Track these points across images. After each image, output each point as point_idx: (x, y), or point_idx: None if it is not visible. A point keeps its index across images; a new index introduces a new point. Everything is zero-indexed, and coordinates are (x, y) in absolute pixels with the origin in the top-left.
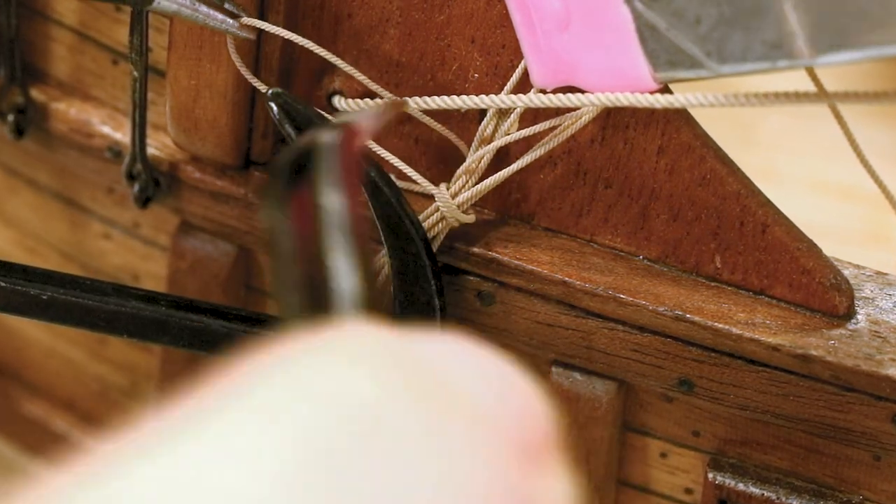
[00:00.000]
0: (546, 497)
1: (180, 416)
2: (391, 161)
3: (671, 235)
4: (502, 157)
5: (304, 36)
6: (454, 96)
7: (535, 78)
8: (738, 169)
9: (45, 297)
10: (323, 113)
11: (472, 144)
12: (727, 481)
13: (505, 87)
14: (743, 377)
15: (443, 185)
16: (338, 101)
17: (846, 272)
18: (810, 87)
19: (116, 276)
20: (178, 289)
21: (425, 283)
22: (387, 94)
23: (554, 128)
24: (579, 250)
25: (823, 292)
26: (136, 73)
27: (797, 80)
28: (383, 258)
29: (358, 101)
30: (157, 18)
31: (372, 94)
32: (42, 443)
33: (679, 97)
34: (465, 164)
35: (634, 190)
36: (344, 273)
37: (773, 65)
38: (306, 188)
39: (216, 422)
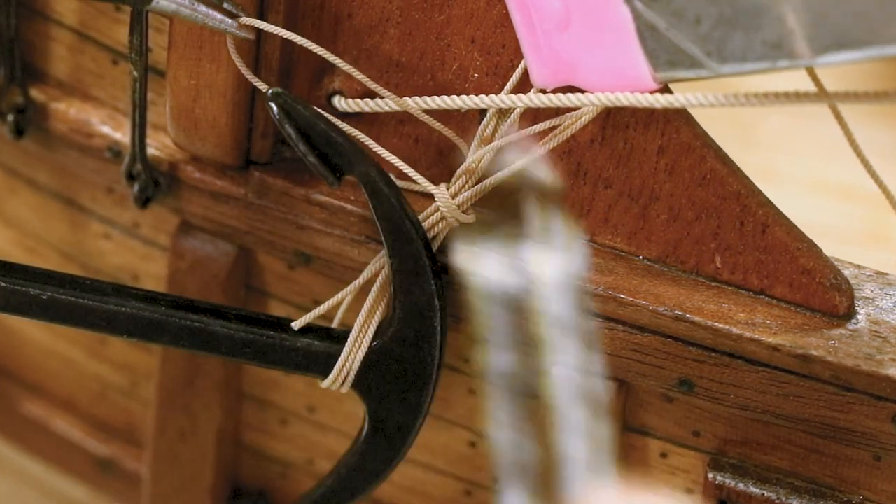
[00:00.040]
0: None
1: None
2: (391, 161)
3: (671, 235)
4: (502, 157)
5: (304, 36)
6: (454, 96)
7: (535, 78)
8: (739, 169)
9: (45, 297)
10: (323, 113)
11: (472, 144)
12: (727, 481)
13: (505, 87)
14: (743, 377)
15: (443, 185)
16: (338, 101)
17: (846, 272)
18: (810, 87)
19: (116, 276)
20: (178, 289)
21: (425, 283)
22: (387, 94)
23: (554, 128)
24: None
25: (824, 292)
26: (135, 73)
27: (797, 80)
28: (383, 258)
29: (358, 100)
30: (157, 18)
31: (372, 94)
32: (42, 443)
33: (679, 97)
34: (465, 164)
35: (634, 190)
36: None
37: (774, 65)
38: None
39: None
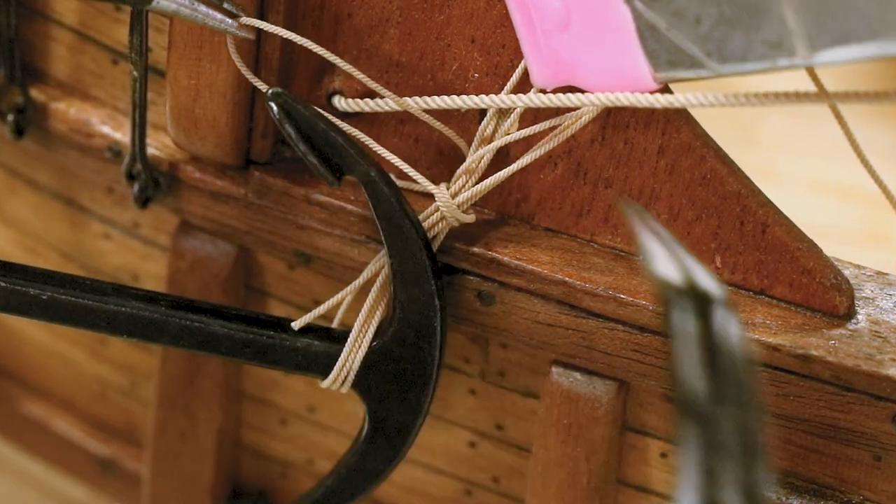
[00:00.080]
0: None
1: None
2: (391, 161)
3: (671, 235)
4: (502, 157)
5: (303, 36)
6: (454, 96)
7: (535, 78)
8: (739, 169)
9: (45, 297)
10: (323, 113)
11: (472, 144)
12: None
13: (505, 87)
14: None
15: (443, 185)
16: (338, 101)
17: (846, 272)
18: (810, 87)
19: (116, 276)
20: (178, 289)
21: (425, 283)
22: (388, 94)
23: (554, 128)
24: (579, 250)
25: (824, 292)
26: (135, 73)
27: (797, 80)
28: (383, 258)
29: (358, 100)
30: (157, 18)
31: (372, 94)
32: (42, 443)
33: (679, 97)
34: (465, 164)
35: (635, 190)
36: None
37: (774, 64)
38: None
39: None
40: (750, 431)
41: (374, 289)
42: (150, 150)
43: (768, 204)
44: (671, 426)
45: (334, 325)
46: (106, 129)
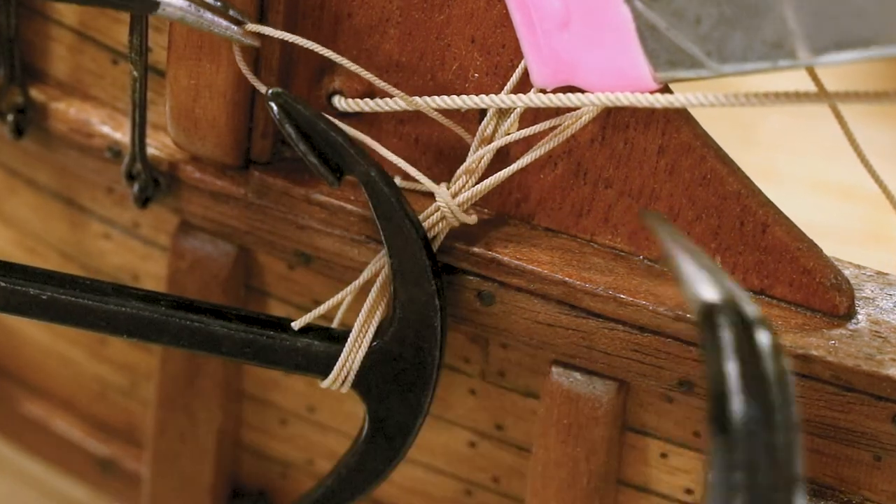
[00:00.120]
0: None
1: None
2: (391, 161)
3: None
4: (502, 157)
5: (303, 35)
6: (454, 96)
7: (535, 77)
8: (739, 169)
9: (45, 297)
10: (323, 113)
11: (472, 144)
12: None
13: (505, 87)
14: None
15: (443, 185)
16: (338, 101)
17: (847, 272)
18: (810, 87)
19: (116, 276)
20: (178, 289)
21: (425, 283)
22: (396, 92)
23: (554, 128)
24: (579, 250)
25: (824, 292)
26: (135, 73)
27: (797, 80)
28: (383, 258)
29: (358, 100)
30: (157, 18)
31: (373, 94)
32: (42, 443)
33: (679, 97)
34: (465, 164)
35: (635, 190)
36: None
37: (774, 64)
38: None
39: None
40: (786, 452)
41: (374, 289)
42: (150, 150)
43: (768, 204)
44: (672, 426)
45: (334, 325)
46: (106, 129)
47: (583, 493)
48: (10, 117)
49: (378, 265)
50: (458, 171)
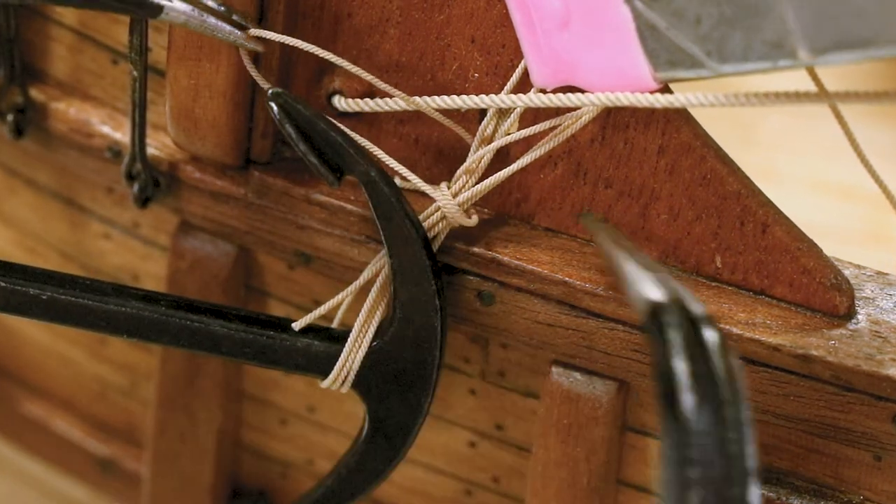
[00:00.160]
0: None
1: None
2: (391, 161)
3: (671, 235)
4: (502, 157)
5: (303, 36)
6: (454, 96)
7: (535, 77)
8: (739, 169)
9: (45, 297)
10: (323, 113)
11: (472, 144)
12: None
13: (505, 87)
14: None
15: (443, 185)
16: (337, 101)
17: (847, 272)
18: (810, 87)
19: (116, 276)
20: (178, 289)
21: (425, 283)
22: (396, 92)
23: (554, 128)
24: (579, 250)
25: (824, 292)
26: (135, 73)
27: (797, 80)
28: (383, 258)
29: (358, 100)
30: None
31: (372, 94)
32: (42, 443)
33: (679, 97)
34: (465, 164)
35: (634, 190)
36: None
37: (774, 64)
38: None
39: None
40: (738, 446)
41: (374, 289)
42: (150, 150)
43: (768, 204)
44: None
45: (334, 325)
46: (106, 129)
47: (583, 493)
48: (10, 117)
49: (378, 265)
50: (459, 171)
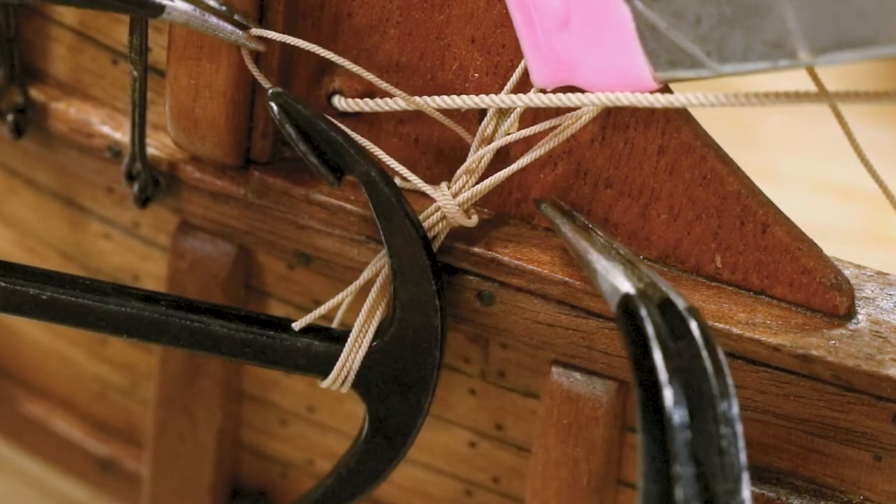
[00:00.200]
0: None
1: None
2: (391, 161)
3: (671, 235)
4: (502, 157)
5: (303, 36)
6: (454, 96)
7: (535, 77)
8: (739, 169)
9: (45, 297)
10: (323, 113)
11: (473, 144)
12: None
13: (505, 87)
14: (743, 377)
15: (443, 185)
16: (337, 101)
17: (847, 272)
18: (810, 87)
19: (116, 276)
20: (178, 289)
21: (425, 283)
22: (396, 92)
23: (554, 128)
24: None
25: (824, 292)
26: (135, 73)
27: (797, 80)
28: (383, 258)
29: (358, 100)
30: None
31: (373, 94)
32: (42, 443)
33: (679, 97)
34: (465, 164)
35: (634, 190)
36: None
37: (774, 64)
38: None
39: None
40: (728, 441)
41: (374, 289)
42: (150, 150)
43: (768, 204)
44: None
45: (334, 325)
46: (106, 129)
47: (583, 493)
48: (10, 117)
49: (378, 265)
50: (459, 171)
